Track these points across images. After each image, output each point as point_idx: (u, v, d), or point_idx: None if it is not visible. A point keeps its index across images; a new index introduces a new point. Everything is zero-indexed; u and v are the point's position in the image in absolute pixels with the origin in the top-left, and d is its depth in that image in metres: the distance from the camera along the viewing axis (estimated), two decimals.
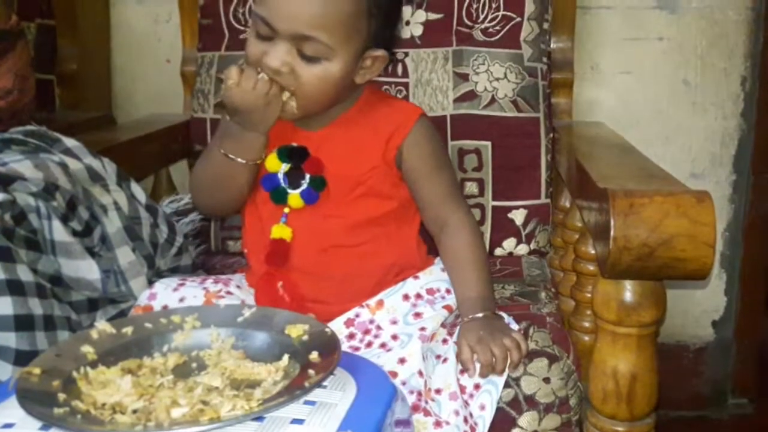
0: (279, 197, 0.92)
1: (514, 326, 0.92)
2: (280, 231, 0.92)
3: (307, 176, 0.91)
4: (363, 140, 0.94)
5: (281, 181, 0.92)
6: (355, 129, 0.94)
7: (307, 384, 0.65)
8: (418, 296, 0.94)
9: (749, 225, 1.53)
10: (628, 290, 0.82)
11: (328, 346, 0.72)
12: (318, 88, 0.87)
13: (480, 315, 0.89)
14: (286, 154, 0.92)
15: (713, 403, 1.59)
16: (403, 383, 0.82)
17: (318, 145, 0.93)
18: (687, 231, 0.76)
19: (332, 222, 0.93)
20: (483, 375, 0.85)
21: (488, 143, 1.25)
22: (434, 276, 0.96)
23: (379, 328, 0.90)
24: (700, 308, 1.57)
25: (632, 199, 0.77)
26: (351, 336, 0.90)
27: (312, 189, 0.91)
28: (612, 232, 0.76)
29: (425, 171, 0.96)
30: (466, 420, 0.82)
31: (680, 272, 0.77)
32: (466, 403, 0.84)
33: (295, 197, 0.91)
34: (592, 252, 1.00)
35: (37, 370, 0.67)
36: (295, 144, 0.93)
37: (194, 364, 0.73)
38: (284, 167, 0.92)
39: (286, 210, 0.92)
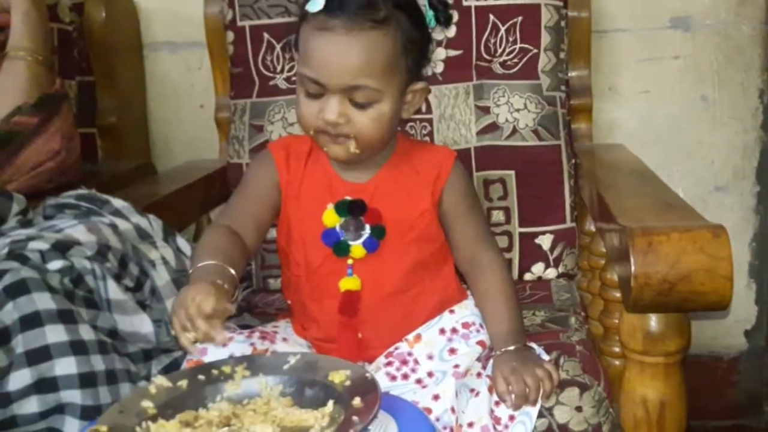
0: (342, 250, 0.95)
1: (545, 357, 0.96)
2: (350, 283, 0.96)
3: (367, 226, 0.96)
4: (411, 185, 0.99)
5: (341, 234, 0.96)
6: (401, 175, 0.99)
7: (352, 431, 0.70)
8: (454, 330, 0.98)
9: None
10: (653, 321, 0.86)
11: (370, 390, 0.77)
12: (375, 130, 0.92)
13: (512, 348, 0.93)
14: (345, 208, 0.96)
15: (749, 411, 1.60)
16: (437, 419, 0.87)
17: (371, 195, 0.97)
18: (705, 266, 0.79)
19: (391, 268, 0.97)
20: (517, 405, 0.89)
21: (512, 172, 1.29)
22: (469, 310, 1.01)
23: (416, 362, 0.95)
24: (732, 318, 1.59)
25: (650, 237, 0.81)
26: (389, 364, 0.94)
27: (374, 238, 0.96)
28: (633, 270, 0.80)
29: (462, 211, 1.01)
30: None
31: (700, 305, 0.81)
32: None
33: (357, 248, 0.95)
34: (617, 279, 1.03)
35: (104, 428, 0.72)
36: (349, 197, 0.97)
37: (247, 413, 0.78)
38: (342, 221, 0.96)
39: (350, 261, 0.96)
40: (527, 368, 0.89)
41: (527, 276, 1.30)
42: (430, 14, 0.98)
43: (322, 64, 0.90)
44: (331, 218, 0.96)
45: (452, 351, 0.95)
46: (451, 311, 1.00)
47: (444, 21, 0.99)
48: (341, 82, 0.89)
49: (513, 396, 0.88)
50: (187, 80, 1.59)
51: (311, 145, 1.00)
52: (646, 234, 0.81)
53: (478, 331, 0.99)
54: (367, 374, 0.80)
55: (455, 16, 1.30)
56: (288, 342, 0.97)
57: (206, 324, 0.78)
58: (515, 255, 1.30)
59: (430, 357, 0.95)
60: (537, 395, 0.89)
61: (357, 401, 0.75)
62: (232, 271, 0.87)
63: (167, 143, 1.61)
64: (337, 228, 0.96)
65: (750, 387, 1.60)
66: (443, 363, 0.94)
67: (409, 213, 0.98)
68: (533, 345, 0.96)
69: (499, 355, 0.93)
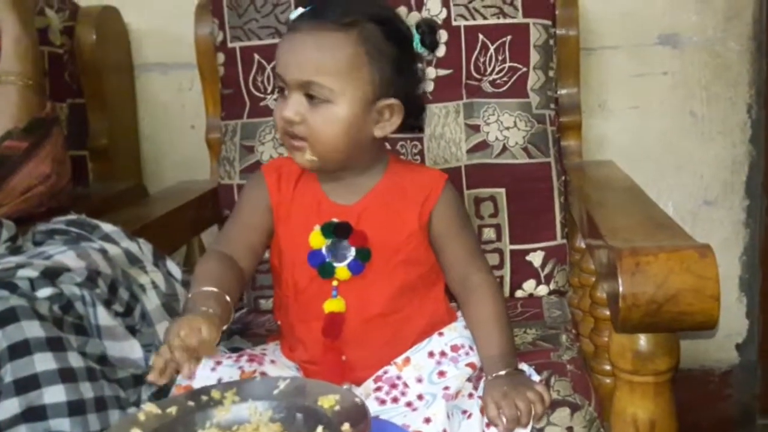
0: (327, 272, 0.96)
1: (536, 378, 0.96)
2: (334, 304, 0.96)
3: (353, 249, 0.96)
4: (398, 208, 0.99)
5: (326, 256, 0.96)
6: (389, 198, 1.00)
7: None
8: (443, 354, 0.98)
9: (765, 248, 1.56)
10: (642, 340, 0.86)
11: (359, 416, 0.77)
12: (328, 132, 0.93)
13: (503, 372, 0.93)
14: (331, 230, 0.97)
15: (742, 425, 1.61)
16: None
17: (357, 217, 0.98)
18: (692, 286, 0.80)
19: (376, 290, 0.97)
20: (509, 429, 0.88)
21: (502, 190, 1.30)
22: (458, 333, 1.00)
23: (405, 385, 0.94)
24: (723, 332, 1.59)
25: (638, 257, 0.81)
26: (378, 389, 0.94)
27: (358, 261, 0.96)
28: (620, 290, 0.81)
29: (452, 233, 1.01)
30: None
31: (688, 325, 0.81)
32: None
33: (342, 270, 0.96)
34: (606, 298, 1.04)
35: None
36: (336, 219, 0.97)
37: None
38: (328, 242, 0.96)
39: (335, 283, 0.96)
40: (518, 392, 0.89)
41: (518, 293, 1.31)
42: (416, 38, 0.99)
43: (283, 59, 0.94)
44: (317, 240, 0.97)
45: (441, 374, 0.95)
46: (440, 334, 1.00)
47: (429, 44, 0.99)
48: (296, 77, 0.92)
49: (505, 420, 0.88)
50: (178, 101, 1.60)
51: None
52: (634, 254, 0.81)
53: (467, 353, 0.98)
54: (357, 399, 0.80)
55: (444, 37, 1.31)
56: (276, 364, 0.97)
57: (184, 356, 0.80)
58: (506, 272, 1.30)
59: (420, 380, 0.95)
60: (529, 418, 0.89)
61: (346, 426, 0.75)
62: (227, 298, 0.90)
63: (158, 164, 1.62)
64: (324, 250, 0.97)
65: (742, 400, 1.61)
66: (432, 386, 0.93)
67: (396, 236, 0.98)
68: (524, 367, 0.97)
69: (490, 379, 0.93)
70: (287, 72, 0.93)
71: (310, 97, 0.92)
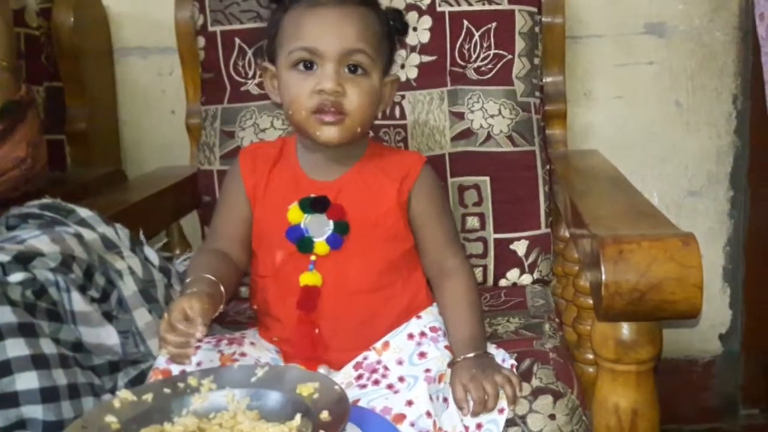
0: (305, 246, 0.96)
1: (508, 364, 0.94)
2: (310, 278, 0.96)
3: (331, 223, 0.96)
4: (377, 184, 1.00)
5: (305, 231, 0.96)
6: (368, 175, 1.00)
7: None
8: (422, 334, 0.98)
9: (749, 239, 1.56)
10: (625, 329, 0.86)
11: (338, 403, 0.76)
12: (364, 104, 0.93)
13: (471, 355, 0.93)
14: (308, 205, 0.97)
15: (725, 414, 1.61)
16: (412, 424, 0.86)
17: (336, 192, 0.98)
18: (675, 274, 0.79)
19: (357, 266, 0.97)
20: (476, 412, 0.88)
21: (487, 178, 1.29)
22: (435, 316, 1.01)
23: (386, 368, 0.94)
24: (707, 322, 1.60)
25: (621, 245, 0.80)
26: (359, 377, 0.94)
27: (337, 234, 0.96)
28: (603, 278, 0.80)
29: (430, 215, 1.01)
30: None
31: (671, 313, 0.80)
32: None
33: (321, 244, 0.96)
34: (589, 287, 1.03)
35: None
36: (313, 195, 0.97)
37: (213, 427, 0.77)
38: (307, 217, 0.96)
39: (313, 258, 0.96)
40: (486, 375, 0.89)
41: (502, 282, 1.30)
42: None
43: (319, 33, 0.92)
44: (295, 215, 0.97)
45: (422, 355, 0.95)
46: (418, 317, 1.00)
47: (401, 30, 1.02)
48: (342, 46, 0.92)
49: (471, 403, 0.88)
50: (158, 86, 1.58)
51: (281, 149, 1.02)
52: (617, 242, 0.80)
53: (446, 334, 0.98)
54: (336, 387, 0.79)
55: (428, 22, 1.30)
56: (255, 346, 0.96)
57: (186, 324, 0.82)
58: (490, 261, 1.29)
59: (400, 362, 0.94)
60: (496, 402, 0.89)
61: (325, 414, 0.74)
62: (221, 288, 0.92)
63: (138, 149, 1.59)
64: (303, 225, 0.96)
65: (725, 390, 1.61)
66: (413, 367, 0.93)
67: (374, 210, 0.98)
68: (499, 352, 0.96)
69: (458, 362, 0.92)
70: (326, 44, 0.91)
71: (349, 69, 0.92)
